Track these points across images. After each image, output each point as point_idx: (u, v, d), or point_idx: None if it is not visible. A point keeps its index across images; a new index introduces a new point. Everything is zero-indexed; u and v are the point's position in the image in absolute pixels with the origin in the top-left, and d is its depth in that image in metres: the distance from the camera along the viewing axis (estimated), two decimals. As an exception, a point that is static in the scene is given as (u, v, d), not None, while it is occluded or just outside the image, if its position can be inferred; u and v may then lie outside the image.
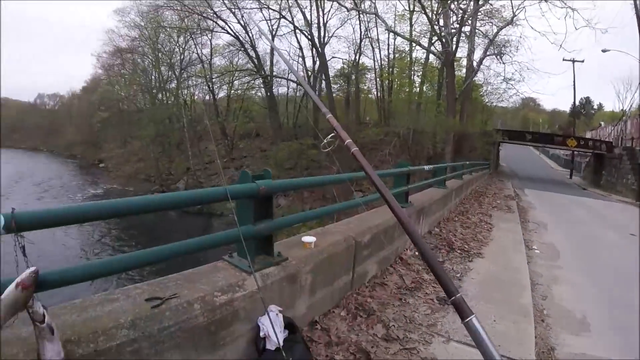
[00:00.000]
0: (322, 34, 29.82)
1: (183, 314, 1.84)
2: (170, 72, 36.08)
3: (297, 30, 31.07)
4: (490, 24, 23.05)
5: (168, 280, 2.09)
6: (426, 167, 6.94)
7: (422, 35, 26.69)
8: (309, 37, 30.02)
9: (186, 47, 34.55)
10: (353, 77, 32.37)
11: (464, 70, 25.74)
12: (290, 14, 29.99)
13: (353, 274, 3.36)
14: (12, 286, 1.28)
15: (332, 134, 1.80)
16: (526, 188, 18.34)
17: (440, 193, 6.94)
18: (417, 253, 4.82)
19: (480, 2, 21.18)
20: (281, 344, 2.02)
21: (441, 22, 22.43)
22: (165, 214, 20.73)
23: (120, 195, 27.55)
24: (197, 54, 34.26)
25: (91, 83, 53.46)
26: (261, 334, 2.14)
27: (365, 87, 34.91)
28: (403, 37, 26.59)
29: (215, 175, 29.90)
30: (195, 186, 27.37)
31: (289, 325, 2.25)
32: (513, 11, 20.14)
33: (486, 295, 3.74)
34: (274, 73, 32.82)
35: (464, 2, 21.75)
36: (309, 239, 2.87)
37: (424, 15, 23.65)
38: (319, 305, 2.89)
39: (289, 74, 31.89)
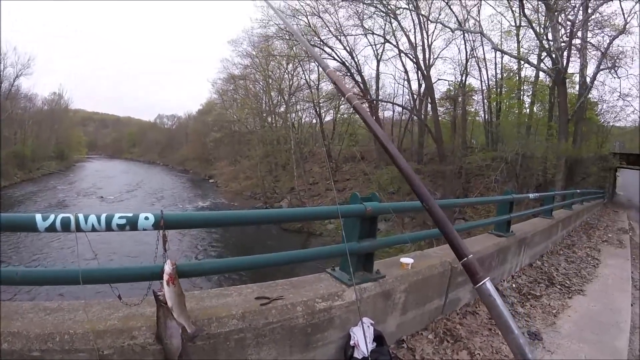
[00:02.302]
0: (427, 56, 29.21)
1: (286, 313, 2.11)
2: (279, 97, 38.18)
3: (401, 54, 31.03)
4: (602, 34, 20.59)
5: (276, 284, 2.42)
6: (531, 195, 6.59)
7: (531, 52, 24.67)
8: (414, 59, 29.63)
9: (295, 74, 36.48)
10: (459, 99, 31.12)
11: (577, 87, 23.52)
12: (395, 37, 30.02)
13: (446, 299, 3.40)
14: (166, 287, 1.64)
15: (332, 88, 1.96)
16: None
17: (546, 223, 6.63)
18: (514, 285, 4.66)
19: (589, 12, 19.14)
20: (368, 354, 2.15)
21: (549, 36, 20.60)
22: (267, 230, 21.77)
23: (227, 209, 29.78)
24: (305, 79, 35.97)
25: (206, 106, 59.42)
26: (351, 342, 2.31)
27: (472, 110, 33.23)
28: (510, 55, 24.94)
29: (317, 196, 30.64)
30: (298, 205, 28.31)
31: (378, 338, 2.40)
32: (625, 18, 18.12)
33: (580, 335, 3.54)
34: (380, 97, 33.16)
35: (572, 13, 19.78)
36: (406, 260, 2.99)
37: (531, 31, 22.13)
38: (408, 325, 2.99)
39: (394, 97, 31.92)
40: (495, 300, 1.26)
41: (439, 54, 30.82)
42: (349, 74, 31.21)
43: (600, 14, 19.65)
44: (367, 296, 2.53)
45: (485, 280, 1.28)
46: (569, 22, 19.79)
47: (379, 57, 32.77)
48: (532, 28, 21.24)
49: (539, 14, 21.74)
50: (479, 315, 3.68)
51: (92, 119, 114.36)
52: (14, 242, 17.11)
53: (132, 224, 1.70)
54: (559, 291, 4.81)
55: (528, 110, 28.15)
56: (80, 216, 1.64)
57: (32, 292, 10.80)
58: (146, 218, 1.71)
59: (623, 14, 18.25)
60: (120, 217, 1.69)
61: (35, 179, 40.17)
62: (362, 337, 2.25)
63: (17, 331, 1.69)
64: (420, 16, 27.46)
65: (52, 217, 1.61)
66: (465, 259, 1.34)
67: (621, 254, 7.78)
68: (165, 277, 1.68)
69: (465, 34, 27.38)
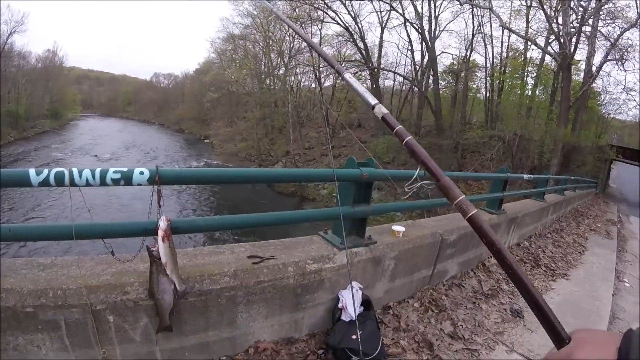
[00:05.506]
0: (432, 27, 28.74)
1: (277, 273, 2.14)
2: (279, 59, 37.70)
3: (407, 23, 30.31)
4: (613, 25, 20.33)
5: (269, 244, 2.44)
6: (525, 177, 6.62)
7: (539, 34, 24.33)
8: (419, 30, 29.14)
9: (296, 36, 35.43)
10: (462, 74, 30.76)
11: (582, 75, 23.39)
12: (401, 5, 29.20)
13: (433, 269, 3.45)
14: (161, 243, 1.64)
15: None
16: (633, 216, 16.30)
17: (537, 205, 6.65)
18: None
19: (603, 0, 18.92)
20: (355, 317, 2.20)
21: (560, 20, 20.36)
22: (262, 191, 21.90)
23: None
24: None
25: (204, 66, 58.05)
26: (339, 305, 2.36)
27: (474, 86, 32.82)
28: (518, 34, 24.55)
29: (312, 160, 30.77)
30: (293, 169, 28.61)
31: (366, 302, 2.45)
32: (638, 11, 17.84)
33: (561, 318, 3.55)
34: (382, 66, 32.75)
35: (585, -1, 19.55)
36: (398, 228, 3.02)
37: (541, 12, 21.71)
38: (395, 292, 3.05)
39: (396, 67, 31.50)
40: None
41: (445, 27, 30.41)
42: (351, 39, 30.73)
43: (613, 3, 19.52)
44: (357, 261, 2.57)
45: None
46: (581, 8, 19.58)
47: (383, 24, 32.17)
48: (543, 10, 20.82)
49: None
50: (464, 288, 3.75)
51: (87, 76, 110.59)
52: (8, 199, 17.09)
53: (126, 179, 1.69)
54: (544, 273, 4.87)
55: (530, 92, 27.84)
56: (75, 170, 1.62)
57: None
58: (141, 173, 1.70)
59: (637, 7, 17.98)
60: (114, 172, 1.67)
61: (29, 137, 39.23)
62: (350, 301, 2.30)
63: (10, 287, 1.67)
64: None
65: (45, 171, 1.59)
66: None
67: (608, 245, 7.88)
68: (161, 233, 1.68)
69: (474, 9, 26.89)
